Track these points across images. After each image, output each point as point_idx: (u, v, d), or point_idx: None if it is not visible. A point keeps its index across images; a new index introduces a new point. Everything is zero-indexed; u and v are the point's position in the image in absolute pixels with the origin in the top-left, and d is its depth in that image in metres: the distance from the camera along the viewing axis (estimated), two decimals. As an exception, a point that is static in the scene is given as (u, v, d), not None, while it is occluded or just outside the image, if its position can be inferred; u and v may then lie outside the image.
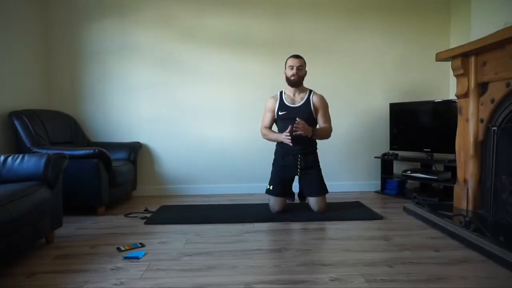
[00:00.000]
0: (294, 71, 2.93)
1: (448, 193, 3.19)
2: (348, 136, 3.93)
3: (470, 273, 1.79)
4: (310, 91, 3.03)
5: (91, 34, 3.75)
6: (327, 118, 3.02)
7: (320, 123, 3.01)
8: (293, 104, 2.98)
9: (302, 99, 2.99)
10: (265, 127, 3.07)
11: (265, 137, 3.07)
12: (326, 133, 2.99)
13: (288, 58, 3.01)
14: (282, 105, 2.98)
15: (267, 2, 3.83)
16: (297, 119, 2.75)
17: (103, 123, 3.81)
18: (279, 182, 2.94)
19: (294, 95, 3.01)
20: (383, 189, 3.76)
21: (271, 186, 2.96)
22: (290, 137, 2.74)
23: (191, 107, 3.85)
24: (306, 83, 3.93)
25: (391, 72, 3.94)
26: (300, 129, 2.73)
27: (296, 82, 2.96)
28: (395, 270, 1.84)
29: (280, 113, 2.97)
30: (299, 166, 2.91)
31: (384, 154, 3.76)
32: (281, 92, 3.05)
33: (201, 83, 3.84)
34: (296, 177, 3.00)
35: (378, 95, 3.94)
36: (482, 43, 2.37)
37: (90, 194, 2.95)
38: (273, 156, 3.08)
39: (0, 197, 1.78)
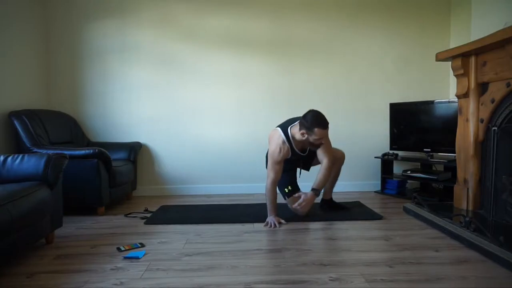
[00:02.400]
0: (320, 141, 2.57)
1: (448, 193, 3.19)
2: (348, 136, 3.92)
3: (470, 273, 1.79)
4: None
5: (91, 34, 3.75)
6: (327, 149, 2.69)
7: (320, 158, 2.74)
8: (303, 152, 2.75)
9: None
10: (275, 183, 2.63)
11: (268, 195, 2.65)
12: (328, 177, 2.72)
13: (317, 128, 2.49)
14: (293, 153, 2.69)
15: (267, 2, 3.83)
16: (301, 202, 2.62)
17: (103, 123, 3.81)
18: (293, 178, 2.85)
19: (304, 143, 2.66)
20: (383, 189, 3.77)
21: (289, 187, 2.78)
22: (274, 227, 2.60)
23: (191, 107, 3.85)
24: (306, 83, 3.94)
25: (391, 72, 3.94)
26: (304, 208, 2.68)
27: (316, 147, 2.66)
28: (395, 270, 1.84)
29: (288, 158, 2.70)
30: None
31: (384, 154, 3.76)
32: (287, 137, 2.63)
33: (201, 83, 3.84)
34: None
35: (378, 95, 3.94)
36: (482, 43, 2.37)
37: (90, 194, 2.95)
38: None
39: (0, 197, 1.78)
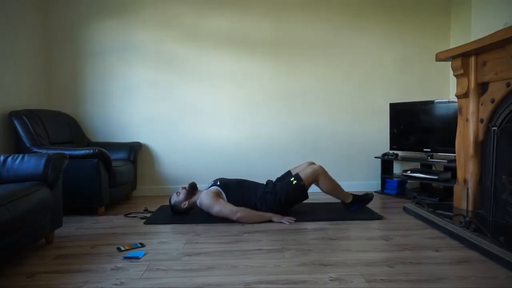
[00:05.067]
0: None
1: (448, 193, 3.19)
2: (348, 136, 3.93)
3: (470, 273, 1.79)
4: None
5: (91, 34, 3.76)
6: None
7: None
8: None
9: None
10: (240, 210, 2.72)
11: (247, 213, 2.71)
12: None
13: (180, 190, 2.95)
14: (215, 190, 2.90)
15: (268, 2, 3.83)
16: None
17: (103, 123, 3.81)
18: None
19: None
20: (383, 189, 3.77)
21: (292, 179, 2.83)
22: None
23: (191, 107, 3.85)
24: (307, 83, 3.94)
25: (391, 72, 3.94)
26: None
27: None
28: (395, 270, 1.84)
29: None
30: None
31: (384, 154, 3.76)
32: (202, 196, 2.86)
33: (201, 83, 3.84)
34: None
35: (378, 95, 3.94)
36: (482, 43, 2.37)
37: (90, 194, 2.95)
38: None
39: (0, 197, 1.78)
